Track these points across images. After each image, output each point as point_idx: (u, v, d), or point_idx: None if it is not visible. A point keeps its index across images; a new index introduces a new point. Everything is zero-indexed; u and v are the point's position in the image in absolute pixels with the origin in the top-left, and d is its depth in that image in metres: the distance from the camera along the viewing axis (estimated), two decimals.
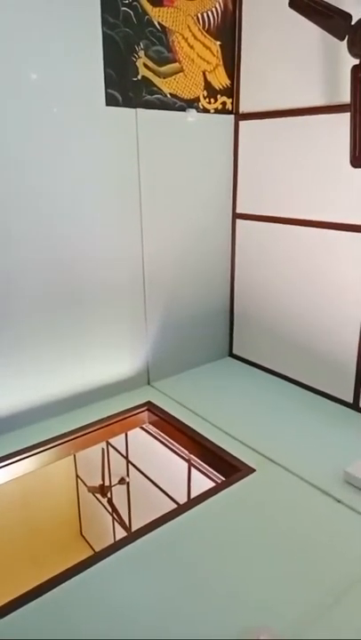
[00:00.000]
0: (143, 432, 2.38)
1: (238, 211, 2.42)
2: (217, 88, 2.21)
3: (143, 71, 1.95)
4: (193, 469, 2.20)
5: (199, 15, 2.06)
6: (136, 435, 2.47)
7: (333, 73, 1.86)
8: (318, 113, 1.95)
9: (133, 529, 2.75)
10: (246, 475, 1.69)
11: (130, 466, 2.75)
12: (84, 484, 3.27)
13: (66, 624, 1.18)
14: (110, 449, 2.88)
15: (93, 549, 3.49)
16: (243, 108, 2.27)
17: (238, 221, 2.44)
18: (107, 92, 1.85)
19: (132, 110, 1.95)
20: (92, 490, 2.98)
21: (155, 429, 2.24)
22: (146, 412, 2.17)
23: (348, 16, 1.61)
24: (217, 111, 2.24)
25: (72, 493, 3.59)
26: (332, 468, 1.69)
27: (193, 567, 1.34)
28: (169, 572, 1.32)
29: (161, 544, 1.41)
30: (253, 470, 1.71)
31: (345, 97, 1.73)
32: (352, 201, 1.91)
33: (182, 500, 2.31)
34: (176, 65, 2.04)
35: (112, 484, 2.89)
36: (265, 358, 2.48)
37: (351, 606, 1.20)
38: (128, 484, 2.83)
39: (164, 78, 2.02)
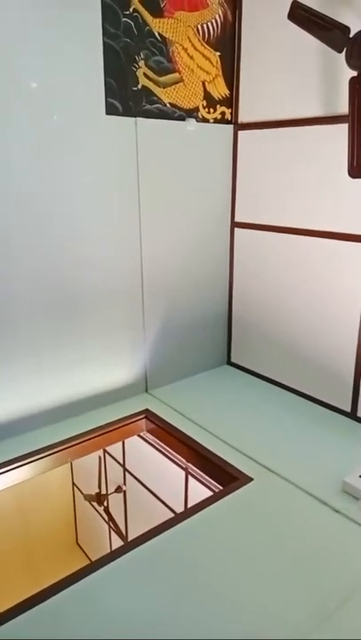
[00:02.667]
0: (140, 440, 2.37)
1: (237, 219, 2.43)
2: (216, 98, 2.23)
3: (143, 81, 1.96)
4: (190, 478, 2.19)
5: (199, 26, 2.08)
6: (133, 443, 2.46)
7: (332, 84, 1.88)
8: (317, 124, 1.97)
9: (130, 538, 2.73)
10: (244, 484, 1.68)
11: (127, 474, 2.74)
12: (81, 493, 3.26)
13: (61, 634, 1.17)
14: (107, 457, 2.87)
15: (89, 559, 3.46)
16: (242, 118, 2.29)
17: (237, 230, 2.45)
18: (107, 101, 1.87)
19: (132, 119, 1.96)
20: (88, 498, 2.97)
21: (152, 437, 2.23)
22: (143, 420, 2.16)
23: (347, 29, 1.63)
24: (216, 121, 2.26)
25: (68, 501, 3.56)
26: (330, 477, 1.68)
27: (190, 576, 1.33)
28: (166, 582, 1.31)
29: (158, 553, 1.40)
30: (251, 479, 1.70)
31: (343, 108, 1.75)
32: (350, 211, 1.92)
33: (179, 508, 2.30)
34: (176, 75, 2.06)
35: (109, 492, 2.88)
36: (263, 366, 2.48)
37: (348, 617, 1.19)
38: (125, 492, 2.82)
39: (164, 88, 2.04)
